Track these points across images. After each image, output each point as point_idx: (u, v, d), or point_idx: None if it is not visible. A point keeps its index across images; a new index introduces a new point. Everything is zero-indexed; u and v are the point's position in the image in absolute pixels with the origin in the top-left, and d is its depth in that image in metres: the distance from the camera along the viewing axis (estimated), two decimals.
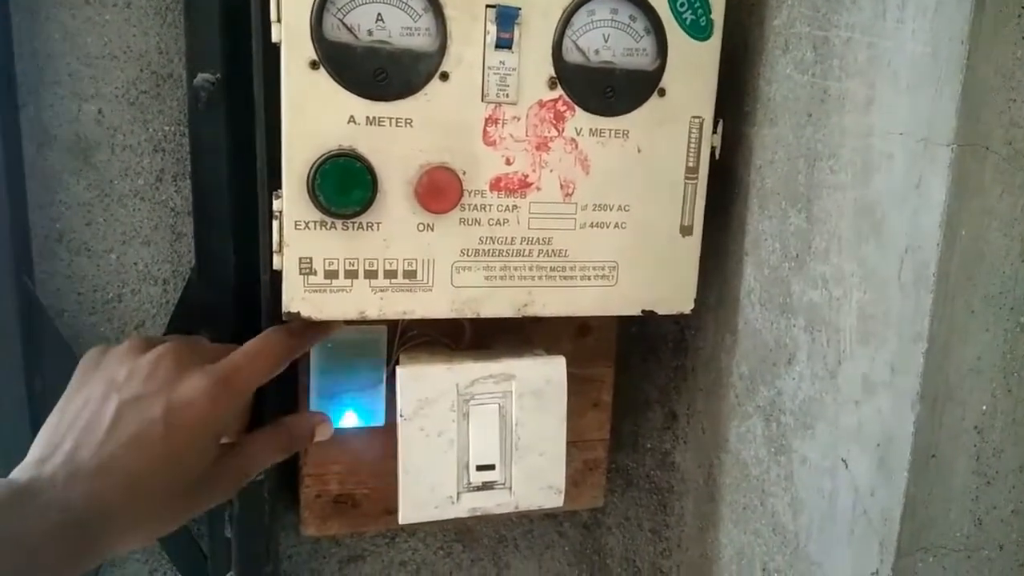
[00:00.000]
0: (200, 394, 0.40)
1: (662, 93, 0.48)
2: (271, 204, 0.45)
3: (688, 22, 0.48)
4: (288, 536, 0.60)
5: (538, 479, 0.52)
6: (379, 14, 0.43)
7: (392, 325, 0.53)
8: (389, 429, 0.54)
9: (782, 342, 0.48)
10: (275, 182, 0.47)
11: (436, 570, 0.65)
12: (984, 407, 0.35)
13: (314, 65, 0.43)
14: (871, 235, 0.38)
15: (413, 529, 0.64)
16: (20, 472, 0.37)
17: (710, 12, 0.48)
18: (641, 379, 0.65)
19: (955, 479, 0.37)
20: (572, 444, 0.56)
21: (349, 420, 0.54)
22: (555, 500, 0.53)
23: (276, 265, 0.45)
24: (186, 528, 0.56)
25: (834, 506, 0.43)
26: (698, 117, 0.49)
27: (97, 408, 0.39)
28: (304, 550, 0.62)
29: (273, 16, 0.42)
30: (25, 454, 0.43)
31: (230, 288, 0.50)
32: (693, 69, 0.48)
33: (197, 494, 0.41)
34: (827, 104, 0.42)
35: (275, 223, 0.44)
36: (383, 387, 0.53)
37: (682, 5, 0.47)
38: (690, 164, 0.50)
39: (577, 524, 0.68)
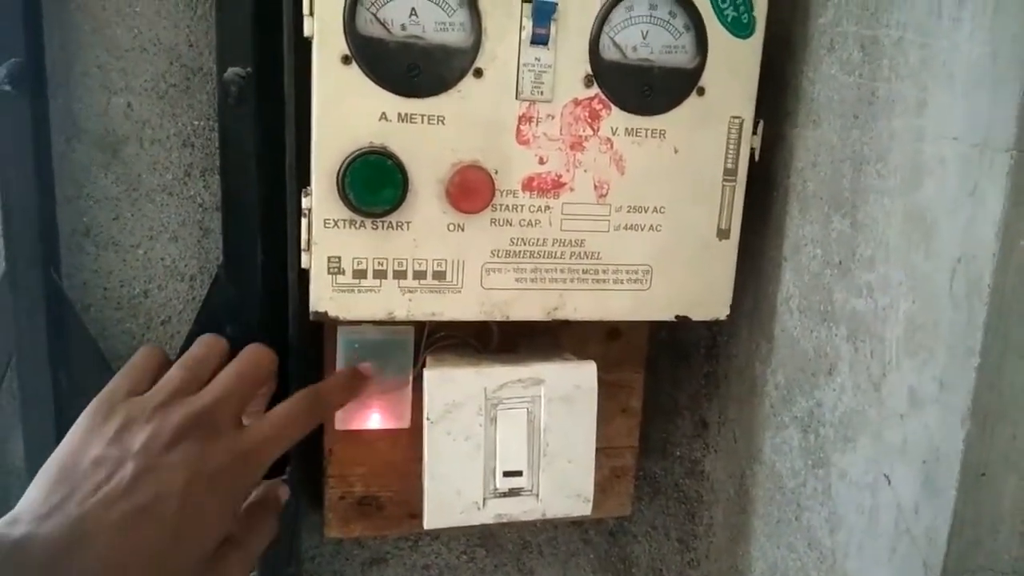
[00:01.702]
0: (225, 471, 0.37)
1: (701, 92, 0.47)
2: (300, 201, 0.44)
3: (730, 19, 0.46)
4: (311, 537, 0.60)
5: (566, 486, 0.51)
6: (413, 8, 0.43)
7: (419, 326, 0.52)
8: (415, 431, 0.53)
9: (822, 351, 0.46)
10: (304, 179, 0.46)
11: (459, 575, 0.64)
12: None
13: (346, 60, 0.42)
14: (921, 243, 0.36)
15: (436, 533, 0.63)
16: (13, 524, 0.33)
17: (752, 9, 0.46)
18: (671, 385, 0.64)
19: (1005, 499, 0.35)
20: (600, 451, 0.55)
21: (375, 421, 0.53)
22: (583, 508, 0.52)
23: (304, 264, 0.44)
24: None
25: (875, 523, 0.41)
26: (738, 117, 0.48)
27: (111, 471, 0.35)
28: (327, 551, 0.61)
29: (306, 10, 0.42)
30: (49, 442, 0.42)
31: (257, 286, 0.49)
32: (733, 67, 0.47)
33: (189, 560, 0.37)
34: (875, 106, 0.40)
35: (304, 221, 0.44)
36: (409, 389, 0.52)
37: (724, 1, 0.46)
38: (728, 166, 0.48)
39: (603, 532, 0.67)
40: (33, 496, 0.35)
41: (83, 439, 0.37)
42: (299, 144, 0.47)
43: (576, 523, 0.66)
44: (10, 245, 0.49)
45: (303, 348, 0.51)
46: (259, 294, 0.50)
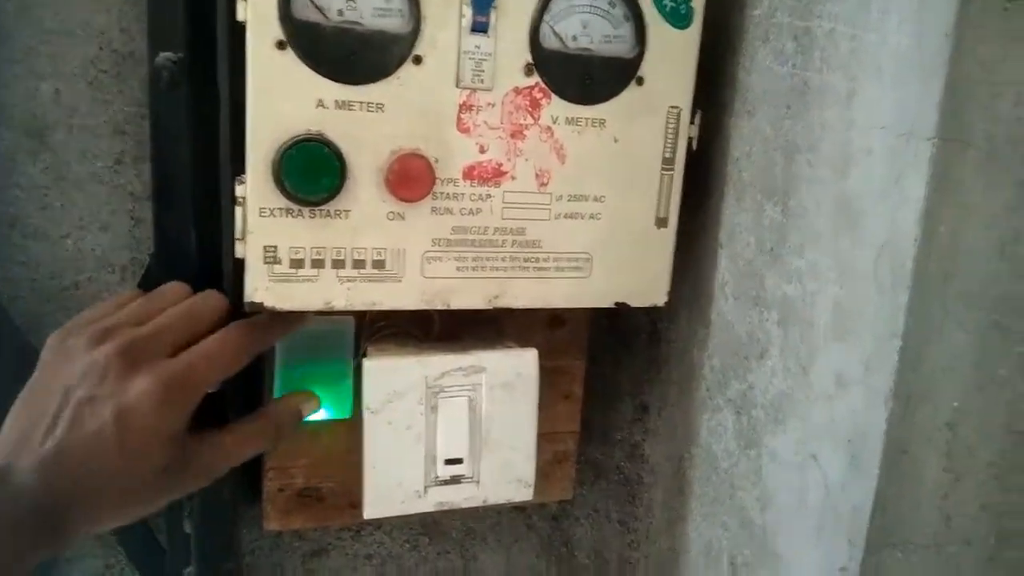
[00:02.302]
0: (148, 398, 0.39)
1: (640, 82, 0.47)
2: (234, 190, 0.43)
3: (668, 9, 0.47)
4: (251, 530, 0.59)
5: (507, 472, 0.51)
6: None
7: (360, 316, 0.52)
8: (356, 422, 0.52)
9: (755, 336, 0.48)
10: (239, 167, 0.45)
11: (402, 564, 0.64)
12: (956, 404, 0.35)
13: (281, 45, 0.41)
14: (848, 230, 0.38)
15: (379, 522, 0.63)
16: None
17: (690, 0, 0.47)
18: (613, 371, 0.65)
19: (926, 476, 0.37)
20: (542, 436, 0.56)
21: (314, 413, 0.52)
22: (524, 493, 0.52)
23: (239, 253, 0.43)
24: (143, 522, 0.55)
25: (803, 501, 0.43)
26: (676, 107, 0.48)
27: (57, 405, 0.39)
28: (267, 544, 0.61)
29: None
30: None
31: (191, 276, 0.48)
32: (672, 58, 0.48)
33: (165, 487, 0.41)
34: (807, 96, 0.42)
35: (238, 210, 0.43)
36: (350, 379, 0.52)
37: None
38: (667, 155, 0.49)
39: (546, 516, 0.68)
40: (7, 431, 0.39)
41: (41, 370, 0.41)
42: (233, 131, 0.46)
43: (519, 509, 0.67)
44: None
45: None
46: (192, 285, 0.48)
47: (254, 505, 0.57)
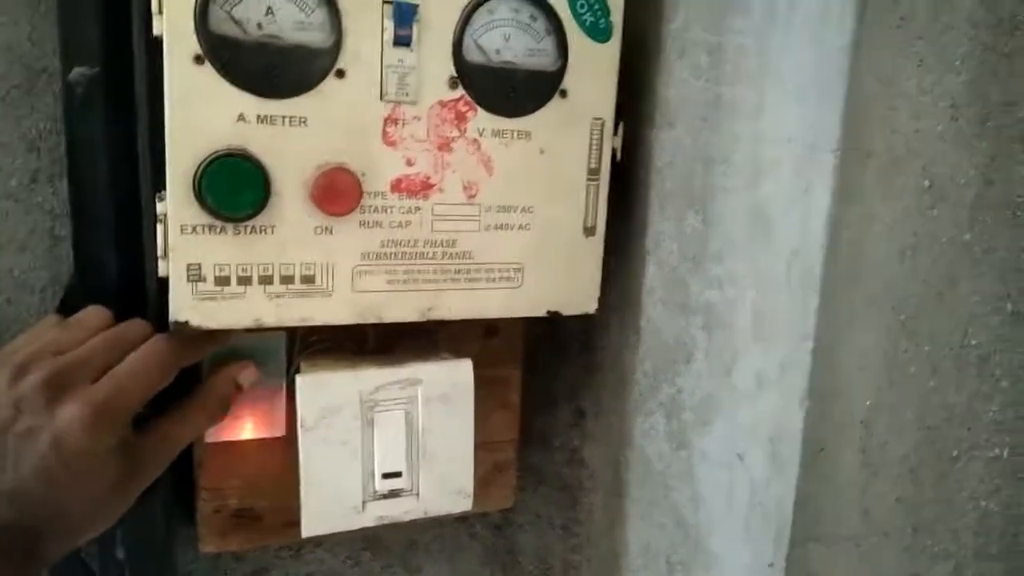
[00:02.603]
0: (78, 425, 0.40)
1: (564, 94, 0.48)
2: (155, 207, 0.42)
3: (588, 24, 0.48)
4: (186, 552, 0.58)
5: (446, 484, 0.51)
6: (269, 7, 0.42)
7: (291, 331, 0.51)
8: (290, 439, 0.52)
9: (681, 340, 0.49)
10: (160, 183, 0.44)
11: None
12: (869, 402, 0.37)
13: (199, 60, 0.41)
14: (762, 238, 0.39)
15: (319, 540, 0.62)
16: None
17: (609, 14, 0.48)
18: (550, 378, 0.65)
19: (843, 472, 0.38)
20: (481, 446, 0.56)
21: (247, 431, 0.52)
22: (464, 504, 0.52)
23: (162, 272, 0.43)
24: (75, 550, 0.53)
25: (732, 499, 0.44)
26: (599, 119, 0.49)
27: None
28: (204, 566, 0.59)
29: (154, 8, 0.40)
30: None
31: (112, 295, 0.47)
32: (594, 71, 0.48)
33: (123, 488, 0.42)
34: (720, 109, 0.43)
35: (159, 227, 0.42)
36: (283, 396, 0.51)
37: (582, 6, 0.47)
38: (592, 165, 0.50)
39: (489, 525, 0.68)
40: None
41: None
42: (152, 147, 0.45)
43: (461, 519, 0.67)
44: None
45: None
46: (115, 304, 0.47)
47: (190, 526, 0.56)
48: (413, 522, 0.65)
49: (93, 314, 0.46)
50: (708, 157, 0.44)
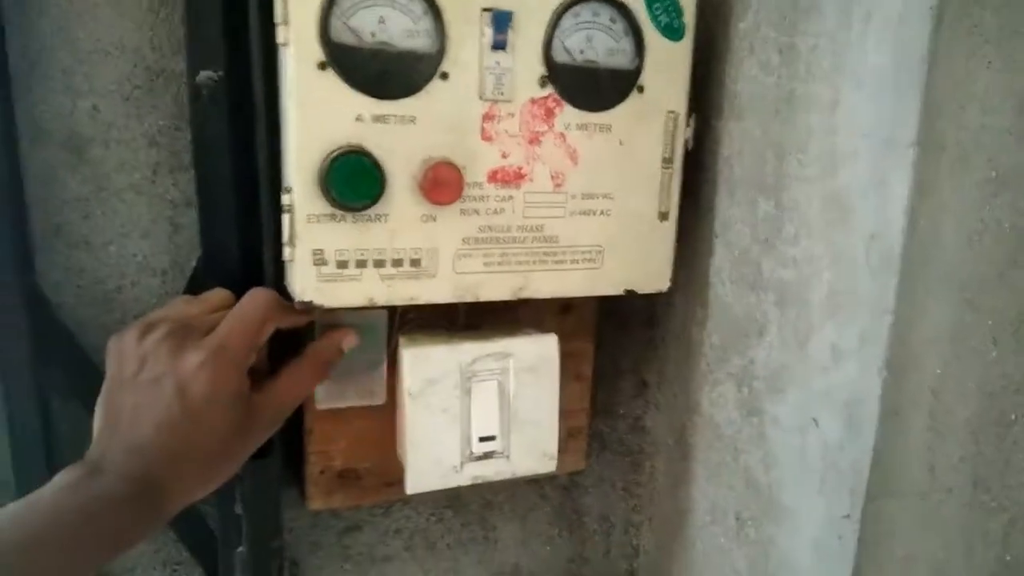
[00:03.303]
0: (201, 367, 0.43)
1: (641, 90, 0.52)
2: (276, 199, 0.47)
3: (663, 24, 0.51)
4: (290, 509, 0.63)
5: (534, 447, 0.56)
6: (381, 17, 0.46)
7: (391, 309, 0.56)
8: (389, 407, 0.57)
9: (752, 316, 0.53)
10: (276, 176, 0.49)
11: (428, 535, 0.69)
12: (938, 371, 0.41)
13: (322, 66, 0.45)
14: (839, 223, 0.43)
15: (407, 499, 0.68)
16: (91, 453, 0.42)
17: (682, 15, 0.51)
18: (615, 352, 0.70)
19: (913, 434, 0.42)
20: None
21: (352, 399, 0.57)
22: (549, 465, 0.57)
23: (287, 257, 0.47)
24: (193, 506, 0.58)
25: (805, 460, 0.48)
26: (673, 112, 0.53)
27: (126, 397, 0.43)
28: (304, 523, 0.65)
29: (279, 19, 0.44)
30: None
31: (235, 280, 0.52)
32: (668, 67, 0.52)
33: (240, 443, 0.45)
34: (793, 103, 0.47)
35: (286, 217, 0.47)
36: (384, 367, 0.56)
37: (657, 8, 0.51)
38: (666, 155, 0.54)
39: (557, 487, 0.73)
40: (95, 430, 0.44)
41: (108, 372, 0.45)
42: (270, 143, 0.50)
43: (533, 481, 0.72)
44: None
45: (282, 336, 0.54)
46: (237, 287, 0.52)
47: (291, 487, 0.61)
48: (489, 485, 0.70)
49: (217, 293, 0.51)
50: (780, 147, 0.48)
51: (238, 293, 0.51)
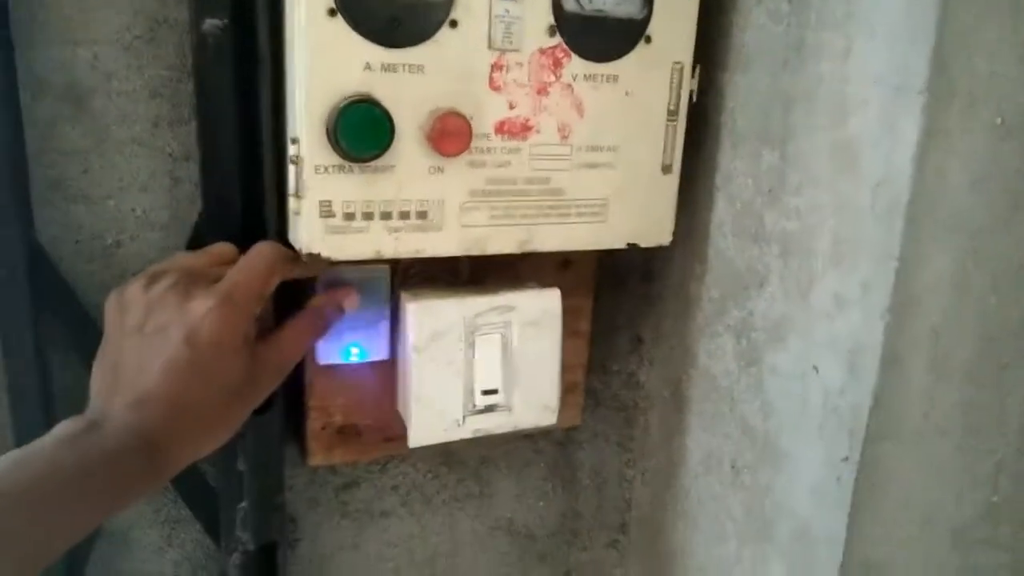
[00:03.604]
0: (209, 313, 0.42)
1: (648, 40, 0.52)
2: (280, 151, 0.47)
3: None
4: (288, 466, 0.63)
5: (535, 400, 0.57)
6: None
7: (393, 263, 0.56)
8: (389, 363, 0.57)
9: (754, 268, 0.54)
10: (280, 128, 0.48)
11: (425, 491, 0.70)
12: (939, 316, 0.42)
13: (332, 13, 0.44)
14: (847, 171, 0.44)
15: (404, 455, 0.68)
16: (90, 409, 0.42)
17: None
18: (610, 308, 0.71)
19: (913, 378, 0.44)
20: None
21: (353, 355, 0.57)
22: (549, 418, 0.58)
23: (293, 209, 0.47)
24: (194, 463, 0.58)
25: (804, 406, 0.50)
26: (679, 63, 0.53)
27: (130, 348, 0.43)
28: (302, 480, 0.65)
29: None
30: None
31: (237, 233, 0.52)
32: (675, 17, 0.52)
33: (245, 395, 0.45)
34: (803, 52, 0.47)
35: (292, 168, 0.46)
36: (387, 323, 0.56)
37: None
38: (671, 107, 0.54)
39: (552, 442, 0.74)
40: (93, 385, 0.43)
41: (108, 326, 0.45)
42: (275, 93, 0.49)
43: (528, 437, 0.73)
44: None
45: (284, 288, 0.53)
46: (240, 240, 0.52)
47: (290, 443, 0.62)
48: (486, 440, 0.71)
49: (221, 246, 0.50)
50: (788, 97, 0.48)
51: (241, 247, 0.50)
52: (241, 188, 0.52)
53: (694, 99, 0.55)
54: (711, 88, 0.56)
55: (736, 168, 0.55)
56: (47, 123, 0.51)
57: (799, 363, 0.50)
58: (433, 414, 0.54)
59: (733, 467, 0.58)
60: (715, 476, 0.61)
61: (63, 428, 0.39)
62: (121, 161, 0.53)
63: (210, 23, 0.48)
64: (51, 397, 0.54)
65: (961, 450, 0.48)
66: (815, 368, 0.48)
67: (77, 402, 0.46)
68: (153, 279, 0.45)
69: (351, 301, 0.53)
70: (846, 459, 0.46)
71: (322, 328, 0.51)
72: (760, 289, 0.53)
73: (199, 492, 0.60)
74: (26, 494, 0.36)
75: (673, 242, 0.63)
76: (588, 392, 0.73)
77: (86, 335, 0.53)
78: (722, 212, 0.57)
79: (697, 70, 0.54)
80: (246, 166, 0.51)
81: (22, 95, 0.49)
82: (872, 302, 0.43)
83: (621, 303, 0.71)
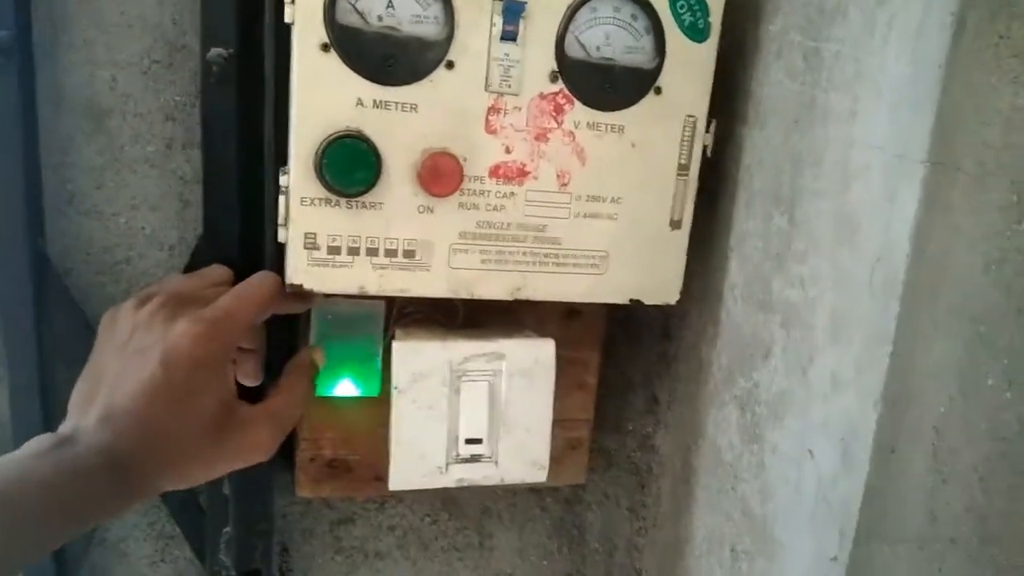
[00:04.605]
0: (190, 338, 0.42)
1: (659, 91, 0.50)
2: (277, 179, 0.47)
3: (687, 23, 0.49)
4: (282, 496, 0.63)
5: (523, 454, 0.54)
6: (389, 0, 0.45)
7: (390, 300, 0.55)
8: (382, 400, 0.56)
9: (760, 336, 0.50)
10: (281, 157, 0.49)
11: (422, 536, 0.68)
12: (942, 409, 0.38)
13: (325, 48, 0.44)
14: (847, 241, 0.40)
15: (401, 496, 0.67)
16: (64, 425, 0.42)
17: (708, 15, 0.49)
18: (626, 363, 0.67)
19: (912, 475, 0.39)
20: (556, 423, 0.59)
21: (345, 389, 0.56)
22: (538, 475, 0.55)
23: (281, 238, 0.47)
24: None
25: (800, 493, 0.45)
26: (692, 116, 0.51)
27: (111, 366, 0.43)
28: (297, 510, 0.64)
29: None
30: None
31: (235, 257, 0.52)
32: (690, 69, 0.50)
33: (225, 444, 0.44)
34: (814, 112, 0.44)
35: (281, 198, 0.46)
36: (379, 359, 0.55)
37: (682, 7, 0.49)
38: (682, 161, 0.51)
39: (559, 499, 0.71)
40: (72, 402, 0.43)
41: (96, 344, 0.45)
42: (277, 124, 0.49)
43: (534, 491, 0.70)
44: None
45: (279, 318, 0.53)
46: (237, 265, 0.52)
47: (287, 472, 0.61)
48: (490, 490, 0.68)
49: (215, 269, 0.51)
50: (798, 158, 0.45)
51: (237, 272, 0.51)
52: (241, 214, 0.52)
53: (709, 154, 0.52)
54: (730, 142, 0.53)
55: (749, 229, 0.51)
56: (66, 138, 0.53)
57: (797, 445, 0.46)
58: (414, 458, 0.53)
59: (732, 551, 0.54)
60: (716, 558, 0.56)
61: (38, 442, 0.39)
62: (133, 180, 0.55)
63: (215, 52, 0.49)
64: (51, 405, 0.55)
65: (977, 563, 0.43)
66: (810, 452, 0.44)
67: None
68: (143, 301, 0.45)
69: (319, 357, 0.53)
70: (834, 559, 0.41)
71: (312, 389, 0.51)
72: (765, 360, 0.49)
73: (189, 512, 0.60)
74: None
75: (690, 301, 0.60)
76: (600, 451, 0.70)
77: (85, 348, 0.54)
78: (734, 274, 0.53)
79: (713, 124, 0.51)
80: (247, 193, 0.52)
81: (43, 109, 0.51)
82: (866, 386, 0.39)
83: (637, 359, 0.68)
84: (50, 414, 0.55)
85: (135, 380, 0.41)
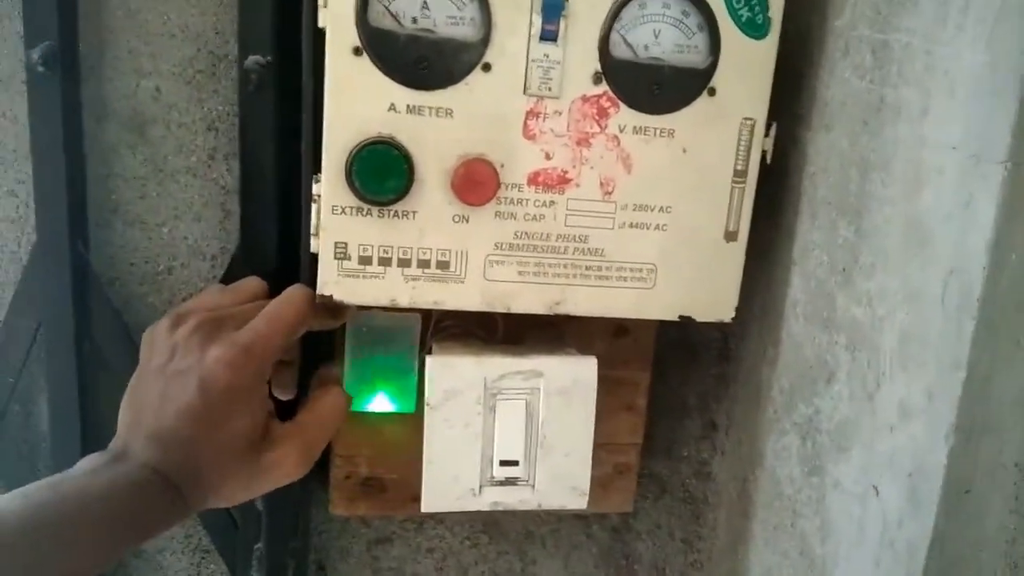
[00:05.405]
0: (224, 365, 0.42)
1: (712, 92, 0.46)
2: (311, 188, 0.45)
3: (744, 19, 0.46)
4: (320, 512, 0.61)
5: (562, 479, 0.51)
6: (424, 2, 0.43)
7: (427, 314, 0.53)
8: (419, 417, 0.54)
9: (823, 359, 0.46)
10: (318, 166, 0.47)
11: (461, 559, 0.65)
12: (1022, 446, 0.33)
13: (357, 51, 0.43)
14: (917, 253, 0.36)
15: (441, 517, 0.64)
16: (114, 442, 0.43)
17: (768, 10, 0.46)
18: (680, 385, 0.64)
19: (989, 518, 0.34)
20: (602, 447, 0.55)
21: (380, 404, 0.54)
22: (578, 502, 0.52)
23: (313, 248, 0.46)
24: None
25: (862, 534, 0.41)
26: (750, 119, 0.47)
27: (154, 388, 0.43)
28: (334, 528, 0.63)
29: (320, 1, 0.43)
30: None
31: (272, 268, 0.51)
32: (747, 68, 0.46)
33: (259, 464, 0.44)
34: (883, 112, 0.40)
35: (314, 206, 0.45)
36: (415, 374, 0.53)
37: (738, 1, 0.45)
38: (739, 167, 0.48)
39: (606, 527, 0.67)
40: (120, 420, 0.44)
41: (140, 363, 0.45)
42: (314, 132, 0.48)
43: (580, 517, 0.67)
44: (42, 219, 0.51)
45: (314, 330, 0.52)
46: (273, 276, 0.51)
47: (324, 489, 0.60)
48: (532, 513, 0.65)
49: (250, 283, 0.50)
50: (866, 163, 0.41)
51: (273, 282, 0.50)
52: (278, 224, 0.51)
53: (768, 160, 0.48)
54: (793, 148, 0.49)
55: (813, 240, 0.47)
56: (111, 149, 0.53)
57: (860, 480, 0.41)
58: (447, 479, 0.50)
59: None
60: None
61: (88, 461, 0.40)
62: (176, 190, 0.54)
63: (252, 59, 0.48)
64: (92, 410, 0.55)
65: None
66: (875, 489, 0.40)
67: (114, 420, 0.46)
68: (179, 320, 0.45)
69: (334, 374, 0.52)
70: None
71: (343, 410, 0.50)
72: (828, 385, 0.45)
73: (223, 526, 0.59)
74: (56, 522, 0.36)
75: (750, 320, 0.56)
76: (651, 477, 0.66)
77: (125, 357, 0.54)
78: (797, 290, 0.49)
79: (773, 128, 0.48)
80: (285, 202, 0.51)
81: (88, 120, 0.51)
82: (936, 416, 0.34)
83: (692, 381, 0.64)
84: (90, 423, 0.55)
85: (176, 404, 0.42)
